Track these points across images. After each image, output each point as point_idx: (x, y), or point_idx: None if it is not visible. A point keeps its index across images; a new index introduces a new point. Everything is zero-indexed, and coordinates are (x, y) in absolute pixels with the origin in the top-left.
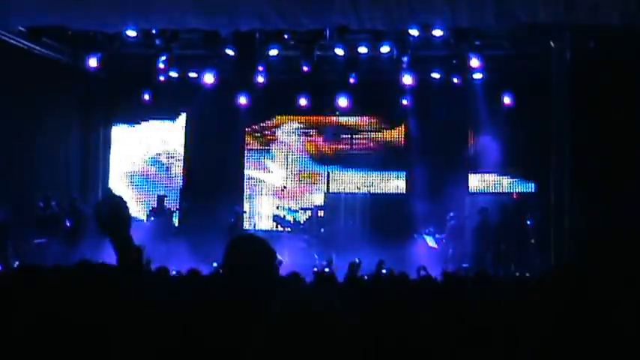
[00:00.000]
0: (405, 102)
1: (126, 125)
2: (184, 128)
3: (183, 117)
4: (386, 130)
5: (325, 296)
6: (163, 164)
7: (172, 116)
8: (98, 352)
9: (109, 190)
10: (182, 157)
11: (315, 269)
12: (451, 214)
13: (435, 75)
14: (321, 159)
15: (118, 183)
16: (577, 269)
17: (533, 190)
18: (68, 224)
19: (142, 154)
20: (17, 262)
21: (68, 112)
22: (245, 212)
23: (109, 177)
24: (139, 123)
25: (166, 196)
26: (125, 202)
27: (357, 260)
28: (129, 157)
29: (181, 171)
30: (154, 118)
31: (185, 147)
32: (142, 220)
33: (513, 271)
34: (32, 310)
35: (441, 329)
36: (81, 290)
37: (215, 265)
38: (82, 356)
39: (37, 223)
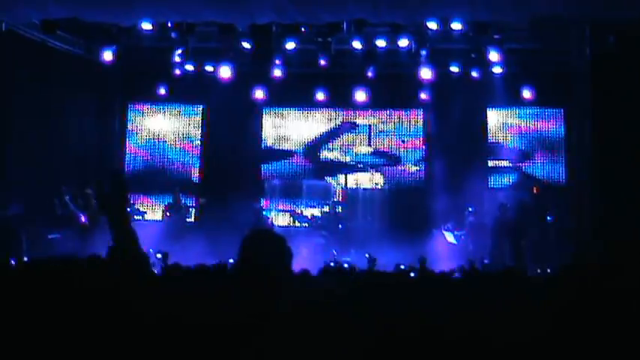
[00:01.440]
0: (423, 96)
1: (143, 112)
2: (201, 122)
3: (199, 110)
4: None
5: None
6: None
7: (189, 110)
8: (109, 347)
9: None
10: (199, 151)
11: (332, 264)
12: (470, 209)
13: (454, 69)
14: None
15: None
16: (594, 267)
17: (553, 185)
18: (84, 220)
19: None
20: (25, 258)
21: (83, 105)
22: (264, 208)
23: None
24: (156, 108)
25: (182, 192)
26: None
27: (367, 255)
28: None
29: (198, 166)
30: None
31: (201, 141)
32: (158, 220)
33: (534, 267)
34: (41, 305)
35: (458, 324)
36: (88, 285)
37: (231, 261)
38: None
39: (52, 219)
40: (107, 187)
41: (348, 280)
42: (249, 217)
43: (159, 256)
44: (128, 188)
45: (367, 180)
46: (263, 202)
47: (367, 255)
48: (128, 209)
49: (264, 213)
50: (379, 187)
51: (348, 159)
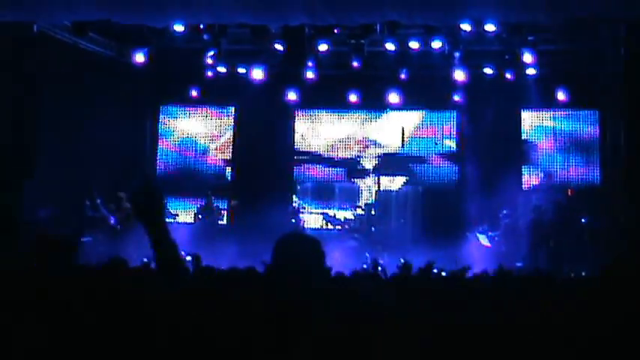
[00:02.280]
0: (456, 98)
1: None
2: (233, 124)
3: (232, 112)
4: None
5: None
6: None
7: (221, 112)
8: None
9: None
10: (230, 153)
11: (365, 267)
12: (505, 211)
13: (488, 70)
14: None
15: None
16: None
17: (588, 187)
18: (114, 223)
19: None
20: None
21: (115, 107)
22: (302, 210)
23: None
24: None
25: (214, 195)
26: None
27: (401, 261)
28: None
29: (230, 168)
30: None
31: (234, 144)
32: (190, 223)
33: (568, 270)
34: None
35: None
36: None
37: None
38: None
39: (83, 222)
40: (140, 197)
41: (384, 284)
42: (285, 219)
43: (189, 258)
44: (162, 195)
45: (400, 182)
46: (295, 205)
47: (402, 260)
48: (165, 218)
49: (300, 215)
50: (412, 190)
51: (381, 162)
